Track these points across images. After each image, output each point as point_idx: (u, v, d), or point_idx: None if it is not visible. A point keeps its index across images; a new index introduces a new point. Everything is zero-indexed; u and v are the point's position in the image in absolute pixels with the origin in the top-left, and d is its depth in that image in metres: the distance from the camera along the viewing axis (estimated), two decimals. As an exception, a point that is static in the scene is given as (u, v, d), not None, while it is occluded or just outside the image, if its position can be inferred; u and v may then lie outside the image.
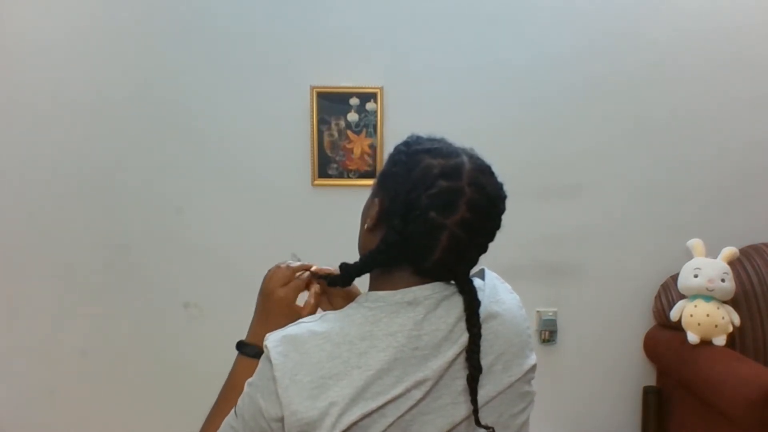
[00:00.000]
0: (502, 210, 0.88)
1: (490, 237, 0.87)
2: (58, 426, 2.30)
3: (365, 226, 0.90)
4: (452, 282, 0.88)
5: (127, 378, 2.31)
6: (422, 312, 0.83)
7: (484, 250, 0.88)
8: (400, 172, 0.86)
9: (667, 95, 2.29)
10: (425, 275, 0.86)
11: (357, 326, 0.82)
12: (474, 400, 0.82)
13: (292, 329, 0.84)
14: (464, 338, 0.83)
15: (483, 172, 0.86)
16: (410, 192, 0.83)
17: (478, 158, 0.88)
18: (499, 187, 0.88)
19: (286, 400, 0.79)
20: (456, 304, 0.85)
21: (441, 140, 0.90)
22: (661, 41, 2.27)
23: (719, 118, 2.31)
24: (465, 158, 0.86)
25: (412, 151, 0.87)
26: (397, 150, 0.90)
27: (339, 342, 0.81)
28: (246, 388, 0.85)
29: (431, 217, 0.82)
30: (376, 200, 0.89)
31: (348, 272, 0.91)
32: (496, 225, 0.87)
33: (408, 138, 0.92)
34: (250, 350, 0.96)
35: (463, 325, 0.84)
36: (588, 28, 2.26)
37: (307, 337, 0.82)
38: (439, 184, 0.82)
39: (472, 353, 0.83)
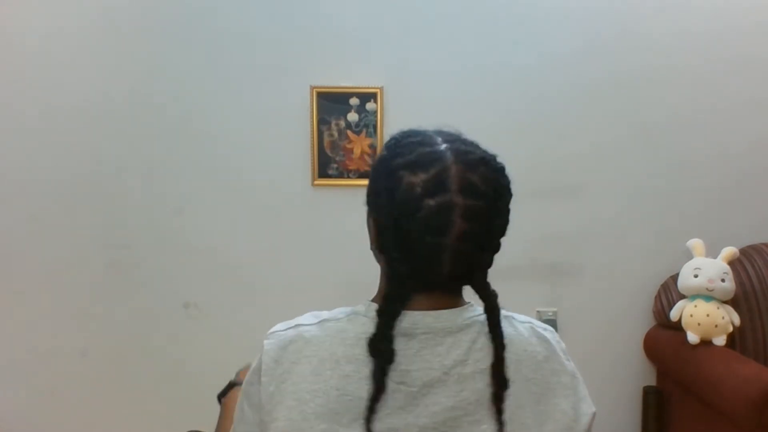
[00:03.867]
0: (508, 198, 0.80)
1: (502, 232, 0.80)
2: (58, 426, 2.30)
3: (370, 246, 0.85)
4: (469, 302, 0.84)
5: (127, 378, 2.30)
6: (415, 346, 0.77)
7: (498, 248, 0.81)
8: (383, 197, 0.78)
9: (667, 95, 2.29)
10: (438, 288, 0.81)
11: (347, 346, 0.78)
12: (499, 420, 0.76)
13: (289, 333, 0.82)
14: (465, 393, 0.76)
15: (472, 167, 0.77)
16: (398, 221, 0.76)
17: (464, 151, 0.78)
18: (497, 174, 0.80)
19: (269, 406, 0.79)
20: (459, 344, 0.78)
21: (421, 139, 0.81)
22: (661, 41, 2.27)
23: (719, 118, 2.30)
24: (449, 157, 0.77)
25: (392, 168, 0.78)
26: (376, 167, 0.82)
27: (325, 358, 0.78)
28: (240, 393, 0.86)
29: (428, 242, 0.76)
30: (371, 221, 0.83)
31: (385, 328, 0.77)
32: (505, 219, 0.80)
33: (388, 142, 0.84)
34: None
35: (460, 370, 0.77)
36: (588, 28, 2.26)
37: (301, 346, 0.80)
38: (426, 205, 0.75)
39: (498, 367, 0.77)
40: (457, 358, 0.77)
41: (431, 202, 0.75)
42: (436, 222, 0.75)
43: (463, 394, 0.76)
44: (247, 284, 2.30)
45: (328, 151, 2.26)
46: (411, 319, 0.78)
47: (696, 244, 2.13)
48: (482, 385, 0.77)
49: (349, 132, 2.25)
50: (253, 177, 2.27)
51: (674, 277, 2.18)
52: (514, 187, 0.86)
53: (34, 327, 2.28)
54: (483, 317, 0.81)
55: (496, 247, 0.80)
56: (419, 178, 0.76)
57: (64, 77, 2.22)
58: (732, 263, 2.08)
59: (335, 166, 2.26)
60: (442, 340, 0.78)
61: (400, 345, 0.76)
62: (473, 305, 0.84)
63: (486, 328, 0.80)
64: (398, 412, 0.75)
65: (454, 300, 0.82)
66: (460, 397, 0.76)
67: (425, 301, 0.80)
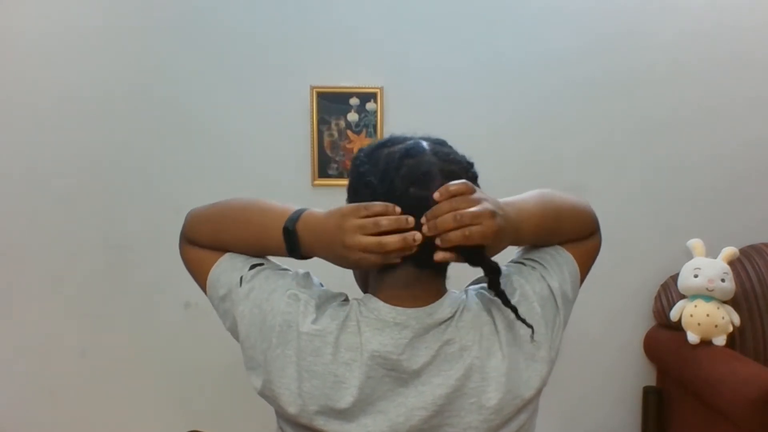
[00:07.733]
0: (476, 180, 0.86)
1: None
2: (58, 426, 2.30)
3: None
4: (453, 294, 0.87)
5: (127, 378, 2.30)
6: (408, 335, 0.82)
7: None
8: (366, 172, 0.84)
9: (666, 95, 2.29)
10: (428, 266, 0.82)
11: (348, 334, 0.82)
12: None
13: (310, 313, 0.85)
14: (453, 379, 0.81)
15: (442, 144, 0.87)
16: (383, 180, 0.81)
17: (435, 141, 0.88)
18: (465, 158, 0.87)
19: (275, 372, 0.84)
20: (438, 337, 0.82)
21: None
22: (661, 41, 2.27)
23: (719, 118, 2.30)
24: (420, 139, 0.86)
25: (371, 150, 0.87)
26: (355, 159, 0.89)
27: (329, 342, 0.82)
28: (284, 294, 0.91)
29: (413, 194, 0.79)
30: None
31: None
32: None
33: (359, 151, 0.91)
34: (290, 226, 0.93)
35: (448, 349, 0.82)
36: (588, 28, 2.26)
37: (310, 329, 0.83)
38: (407, 163, 0.81)
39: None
40: (442, 343, 0.82)
41: (411, 161, 0.82)
42: (418, 174, 0.81)
43: (450, 381, 0.82)
44: (247, 284, 2.29)
45: (328, 151, 2.26)
46: (405, 315, 0.83)
47: (696, 244, 2.13)
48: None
49: (349, 132, 2.25)
50: (253, 177, 2.27)
51: (674, 277, 2.18)
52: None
53: (33, 327, 2.28)
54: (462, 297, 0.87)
55: None
56: (397, 148, 0.84)
57: (64, 76, 2.22)
58: (732, 263, 2.08)
59: (335, 166, 2.27)
60: (429, 330, 0.83)
61: (392, 333, 0.82)
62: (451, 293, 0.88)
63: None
64: (385, 399, 0.82)
65: (437, 287, 0.86)
66: (439, 387, 0.82)
67: (420, 275, 0.84)
